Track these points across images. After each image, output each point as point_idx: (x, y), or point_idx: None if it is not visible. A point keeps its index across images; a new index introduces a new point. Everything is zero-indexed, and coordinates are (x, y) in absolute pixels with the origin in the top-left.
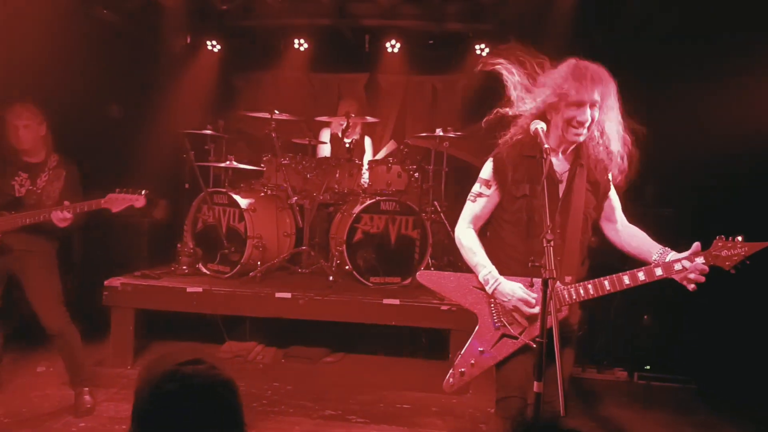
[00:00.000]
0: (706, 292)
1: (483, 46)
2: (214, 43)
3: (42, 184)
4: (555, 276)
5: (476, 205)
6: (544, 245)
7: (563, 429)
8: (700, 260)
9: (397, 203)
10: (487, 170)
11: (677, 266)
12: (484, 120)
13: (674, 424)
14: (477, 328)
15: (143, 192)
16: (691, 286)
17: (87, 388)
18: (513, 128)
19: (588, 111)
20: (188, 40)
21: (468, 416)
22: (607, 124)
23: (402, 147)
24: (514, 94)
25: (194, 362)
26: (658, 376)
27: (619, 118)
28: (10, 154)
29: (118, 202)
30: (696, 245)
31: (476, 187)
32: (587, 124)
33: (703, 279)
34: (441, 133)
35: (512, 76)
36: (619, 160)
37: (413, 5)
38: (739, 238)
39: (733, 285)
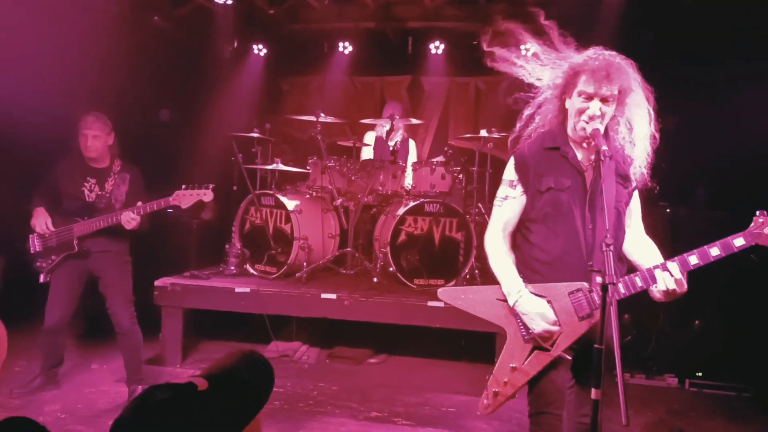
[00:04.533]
0: (762, 294)
1: (528, 46)
2: (261, 46)
3: (110, 188)
4: (615, 281)
5: (504, 209)
6: (603, 250)
7: None
8: (738, 242)
9: (441, 205)
10: (509, 170)
11: (714, 251)
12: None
13: None
14: (506, 343)
15: (210, 186)
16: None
17: (141, 387)
18: (538, 117)
19: (599, 104)
20: (235, 45)
21: (515, 420)
22: (636, 120)
23: (446, 149)
24: (528, 71)
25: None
26: (711, 383)
27: (649, 115)
28: (79, 161)
29: (186, 198)
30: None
31: (501, 191)
32: (599, 120)
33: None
34: (485, 134)
35: (524, 62)
36: (644, 159)
37: (457, 6)
38: None
39: None
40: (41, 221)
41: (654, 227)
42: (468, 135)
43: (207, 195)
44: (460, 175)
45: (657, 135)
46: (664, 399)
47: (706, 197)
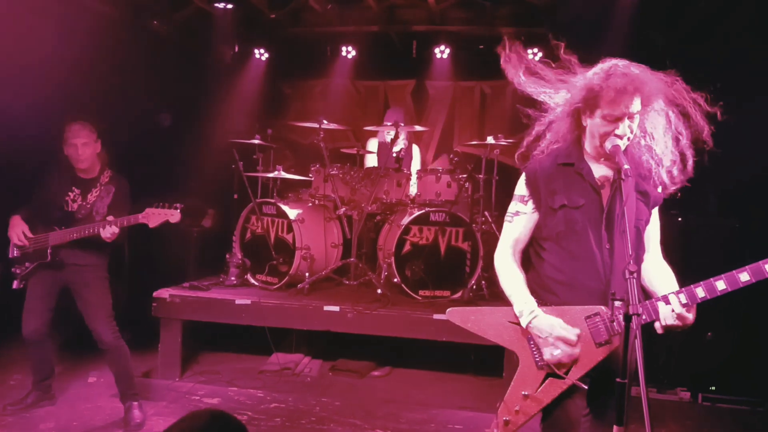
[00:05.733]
0: None
1: (536, 50)
2: (262, 51)
3: (92, 200)
4: (639, 312)
5: (515, 225)
6: (626, 277)
7: None
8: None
9: (446, 214)
10: (521, 185)
11: (743, 276)
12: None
13: None
14: (519, 368)
15: (178, 207)
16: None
17: (137, 402)
18: (549, 134)
19: (627, 124)
20: (236, 49)
21: None
22: (656, 131)
23: (452, 156)
24: (538, 92)
25: None
26: (725, 397)
27: (671, 123)
28: (65, 169)
29: (154, 217)
30: None
31: (512, 206)
32: (626, 137)
33: None
34: (492, 141)
35: (533, 82)
36: (667, 171)
37: (463, 9)
38: None
39: None
40: (16, 230)
41: (664, 236)
42: (474, 142)
43: (174, 216)
44: (467, 183)
45: (680, 140)
46: (677, 414)
47: (718, 204)
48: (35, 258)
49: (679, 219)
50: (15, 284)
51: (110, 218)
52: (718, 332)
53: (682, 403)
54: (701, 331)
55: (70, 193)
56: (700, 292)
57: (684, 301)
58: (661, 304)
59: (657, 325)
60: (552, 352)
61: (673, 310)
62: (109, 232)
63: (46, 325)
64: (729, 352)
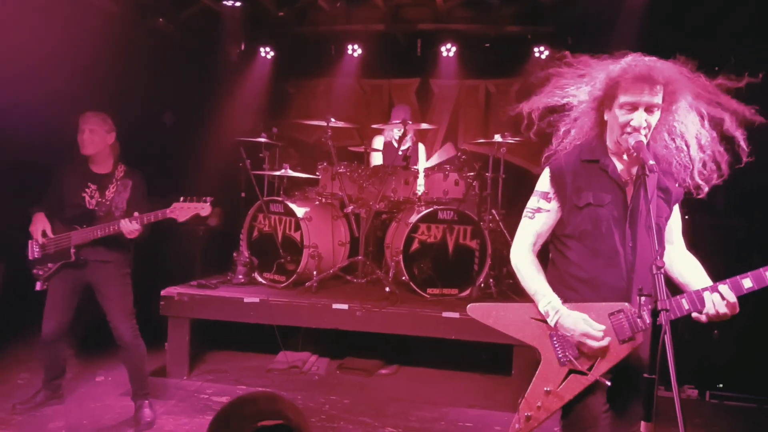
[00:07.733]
0: None
1: (542, 48)
2: (268, 49)
3: (111, 195)
4: (668, 307)
5: (536, 222)
6: (654, 273)
7: None
8: None
9: (454, 212)
10: (544, 181)
11: None
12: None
13: None
14: (540, 365)
15: (208, 200)
16: None
17: (147, 401)
18: (573, 131)
19: (643, 115)
20: (242, 47)
21: None
22: (681, 127)
23: (460, 154)
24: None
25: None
26: (732, 394)
27: (700, 120)
28: (81, 167)
29: (183, 211)
30: None
31: (533, 202)
32: (643, 130)
33: None
34: (499, 139)
35: (558, 87)
36: (699, 167)
37: (469, 8)
38: None
39: None
40: (38, 228)
41: None
42: (482, 140)
43: (204, 209)
44: (474, 182)
45: (709, 140)
46: (685, 412)
47: (726, 204)
48: (58, 258)
49: (686, 218)
50: (38, 286)
51: (136, 214)
52: (726, 330)
53: (689, 401)
54: (708, 329)
55: (87, 190)
56: (747, 282)
57: (730, 290)
58: (707, 294)
59: (701, 317)
60: (581, 348)
61: (724, 299)
62: (130, 228)
63: (67, 325)
64: (736, 349)
